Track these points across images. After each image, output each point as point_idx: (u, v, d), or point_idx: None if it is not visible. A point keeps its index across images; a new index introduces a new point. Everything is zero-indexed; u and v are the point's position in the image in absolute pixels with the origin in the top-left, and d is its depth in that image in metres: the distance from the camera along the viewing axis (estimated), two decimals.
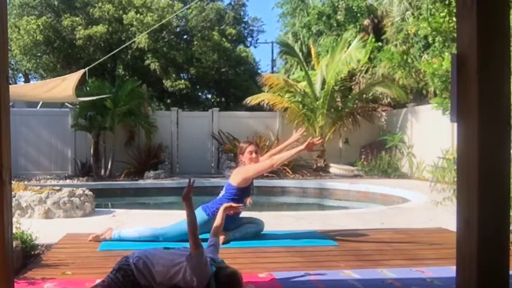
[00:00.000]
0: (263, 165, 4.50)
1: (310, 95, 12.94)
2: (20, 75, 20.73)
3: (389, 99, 13.58)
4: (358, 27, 14.87)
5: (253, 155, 4.60)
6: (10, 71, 12.48)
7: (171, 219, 4.74)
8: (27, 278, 3.23)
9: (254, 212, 6.91)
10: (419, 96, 13.41)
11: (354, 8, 15.10)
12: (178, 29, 18.60)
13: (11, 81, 17.63)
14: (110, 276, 2.78)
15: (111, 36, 15.36)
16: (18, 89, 9.71)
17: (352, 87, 14.17)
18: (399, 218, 6.16)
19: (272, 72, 22.10)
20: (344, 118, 13.14)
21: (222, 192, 4.54)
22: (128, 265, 2.79)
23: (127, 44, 13.28)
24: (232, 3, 22.19)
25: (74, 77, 8.42)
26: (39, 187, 6.95)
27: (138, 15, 15.16)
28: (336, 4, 15.71)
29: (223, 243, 4.29)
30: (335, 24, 15.63)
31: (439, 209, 5.44)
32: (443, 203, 4.98)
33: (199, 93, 21.59)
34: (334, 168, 12.44)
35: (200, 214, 4.44)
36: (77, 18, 15.06)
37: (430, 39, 9.67)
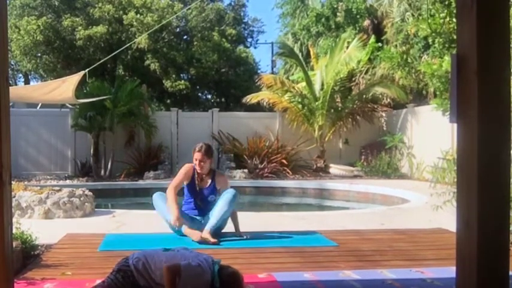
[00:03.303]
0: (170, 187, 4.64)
1: (309, 96, 12.96)
2: (20, 75, 20.73)
3: (389, 100, 13.58)
4: (357, 28, 14.88)
5: (197, 162, 4.68)
6: (10, 72, 12.48)
7: None
8: (27, 278, 3.22)
9: (253, 213, 6.92)
10: (419, 96, 13.41)
11: (353, 10, 15.10)
12: (178, 30, 18.61)
13: (11, 82, 17.62)
14: (110, 277, 2.80)
15: (111, 37, 15.36)
16: (18, 90, 9.72)
17: (352, 87, 14.18)
18: (399, 218, 6.16)
19: (272, 72, 22.09)
20: (344, 118, 13.15)
21: None
22: (128, 266, 2.80)
23: (127, 45, 13.28)
24: (232, 3, 22.19)
25: (74, 79, 8.41)
26: (39, 187, 6.95)
27: (138, 15, 15.16)
28: (335, 6, 15.72)
29: (214, 244, 4.30)
30: (334, 26, 15.64)
31: (439, 209, 5.44)
32: (443, 207, 4.98)
33: (199, 94, 21.59)
34: (334, 169, 12.44)
35: None
36: (77, 19, 15.06)
37: (430, 40, 9.67)
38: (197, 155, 4.69)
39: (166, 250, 2.97)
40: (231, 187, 4.82)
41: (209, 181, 4.77)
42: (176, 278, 2.61)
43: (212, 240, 4.33)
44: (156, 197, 4.76)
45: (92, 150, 12.24)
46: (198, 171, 4.72)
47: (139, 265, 2.78)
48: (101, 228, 5.28)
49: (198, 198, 4.75)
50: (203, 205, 4.75)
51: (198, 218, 4.72)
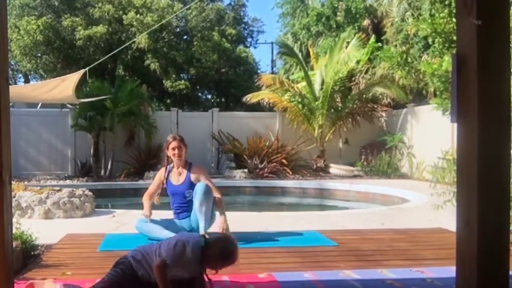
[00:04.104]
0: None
1: (309, 95, 12.95)
2: (20, 75, 20.72)
3: (389, 100, 13.58)
4: (357, 28, 14.88)
5: (176, 151, 4.59)
6: (10, 72, 12.46)
7: None
8: (27, 278, 3.22)
9: (253, 213, 6.93)
10: (419, 96, 13.41)
11: (352, 9, 15.10)
12: (178, 30, 18.60)
13: (11, 82, 17.61)
14: (109, 273, 2.82)
15: (111, 37, 15.35)
16: (18, 90, 9.70)
17: (352, 87, 14.18)
18: (399, 218, 6.16)
19: (272, 72, 22.10)
20: (344, 118, 13.15)
21: None
22: (126, 259, 2.83)
23: (127, 44, 13.27)
24: (232, 3, 22.19)
25: (74, 78, 8.40)
26: (39, 187, 6.95)
27: (138, 15, 15.15)
28: (336, 5, 15.72)
29: None
30: (334, 26, 15.64)
31: (439, 209, 5.45)
32: (444, 207, 4.98)
33: (199, 94, 21.58)
34: (334, 169, 12.44)
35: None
36: (77, 19, 15.06)
37: (430, 40, 9.67)
38: (174, 143, 4.60)
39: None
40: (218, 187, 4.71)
41: (184, 176, 4.63)
42: (165, 271, 2.65)
43: None
44: (139, 224, 4.62)
45: (92, 150, 12.24)
46: (177, 161, 4.60)
47: (137, 256, 2.82)
48: (101, 228, 5.28)
49: (177, 198, 4.64)
50: (185, 204, 4.61)
51: (185, 219, 4.63)
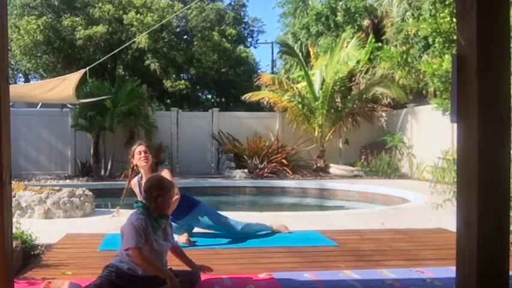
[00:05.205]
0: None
1: (309, 95, 12.95)
2: (20, 75, 20.71)
3: (389, 100, 13.58)
4: (356, 27, 14.87)
5: (142, 154, 4.48)
6: (10, 71, 12.44)
7: None
8: (28, 278, 3.23)
9: (254, 213, 6.92)
10: (419, 96, 13.41)
11: (351, 8, 15.09)
12: (178, 29, 18.59)
13: (10, 81, 17.57)
14: (100, 277, 2.94)
15: (111, 37, 15.35)
16: (18, 89, 9.69)
17: (352, 87, 14.17)
18: (399, 218, 6.16)
19: (272, 72, 22.08)
20: (344, 118, 13.15)
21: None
22: (110, 264, 3.01)
23: (127, 44, 13.26)
24: (232, 3, 22.18)
25: (74, 77, 8.39)
26: (39, 187, 6.95)
27: (138, 15, 15.15)
28: (334, 5, 15.70)
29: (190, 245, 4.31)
30: (333, 25, 15.63)
31: (439, 209, 5.45)
32: (443, 205, 4.98)
33: (199, 94, 21.58)
34: (334, 169, 12.44)
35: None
36: (77, 19, 15.05)
37: (430, 40, 9.67)
38: (140, 148, 4.51)
39: None
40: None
41: None
42: (143, 255, 2.83)
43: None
44: None
45: (92, 150, 12.24)
46: (144, 164, 4.47)
47: (117, 258, 3.00)
48: (101, 228, 5.28)
49: None
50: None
51: (178, 222, 4.57)
